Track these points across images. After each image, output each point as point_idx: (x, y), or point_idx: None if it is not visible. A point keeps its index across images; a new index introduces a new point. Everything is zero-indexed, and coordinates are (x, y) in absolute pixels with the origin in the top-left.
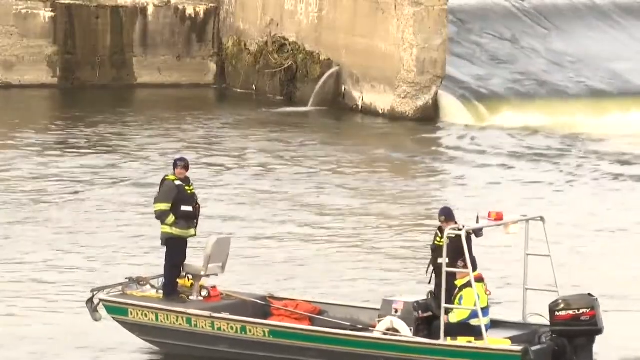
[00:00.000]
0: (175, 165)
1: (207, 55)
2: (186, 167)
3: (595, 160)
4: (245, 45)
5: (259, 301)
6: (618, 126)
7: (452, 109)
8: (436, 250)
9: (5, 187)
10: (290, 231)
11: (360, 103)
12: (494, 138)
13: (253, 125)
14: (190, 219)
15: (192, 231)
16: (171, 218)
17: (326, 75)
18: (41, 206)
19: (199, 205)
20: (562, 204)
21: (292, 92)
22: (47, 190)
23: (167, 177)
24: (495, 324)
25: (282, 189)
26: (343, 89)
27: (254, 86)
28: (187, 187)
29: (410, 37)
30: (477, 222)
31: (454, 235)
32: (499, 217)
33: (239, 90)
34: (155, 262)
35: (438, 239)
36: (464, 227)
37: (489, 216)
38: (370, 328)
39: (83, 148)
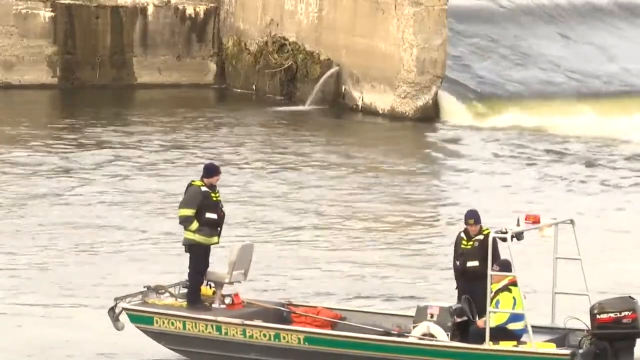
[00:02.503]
0: (212, 173)
1: (207, 55)
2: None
3: (597, 161)
4: (245, 45)
5: (281, 308)
6: (619, 127)
7: (452, 109)
8: (464, 254)
9: (8, 189)
10: (291, 232)
11: (360, 103)
12: (494, 138)
13: (253, 125)
14: (214, 226)
15: (215, 239)
16: (195, 224)
17: (326, 75)
18: (46, 209)
19: (224, 213)
20: (565, 205)
21: (292, 92)
22: (50, 192)
23: (193, 183)
24: None
25: (282, 190)
26: (343, 88)
27: (254, 86)
28: (212, 194)
29: (410, 37)
30: (518, 225)
31: (499, 238)
32: (536, 220)
33: (239, 90)
34: (170, 268)
35: (464, 242)
36: (507, 230)
37: (526, 219)
38: (405, 333)
39: (83, 149)
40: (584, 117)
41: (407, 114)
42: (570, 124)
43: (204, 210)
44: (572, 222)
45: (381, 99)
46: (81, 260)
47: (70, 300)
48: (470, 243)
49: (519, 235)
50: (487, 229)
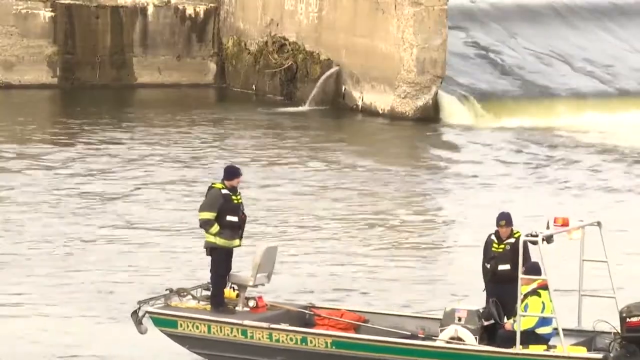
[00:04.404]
0: (233, 175)
1: (207, 55)
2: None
3: (598, 161)
4: (245, 45)
5: (305, 311)
6: (618, 126)
7: (452, 109)
8: (496, 258)
9: (10, 189)
10: (291, 232)
11: (360, 103)
12: (494, 138)
13: (253, 125)
14: (235, 229)
15: (236, 241)
16: (215, 227)
17: (326, 75)
18: (51, 210)
19: (245, 216)
20: (565, 206)
21: (292, 92)
22: (52, 192)
23: (214, 185)
24: None
25: (282, 190)
26: (343, 89)
27: (254, 86)
28: (233, 197)
29: (410, 37)
30: (547, 228)
31: (530, 242)
32: (565, 223)
33: (239, 90)
34: (187, 271)
35: (495, 245)
36: (537, 233)
37: (555, 222)
38: (433, 337)
39: (83, 149)
40: (585, 117)
41: (407, 114)
42: (571, 124)
43: (224, 213)
44: (599, 224)
45: (381, 99)
46: (94, 264)
47: (89, 304)
48: (502, 246)
49: (549, 239)
50: (518, 232)
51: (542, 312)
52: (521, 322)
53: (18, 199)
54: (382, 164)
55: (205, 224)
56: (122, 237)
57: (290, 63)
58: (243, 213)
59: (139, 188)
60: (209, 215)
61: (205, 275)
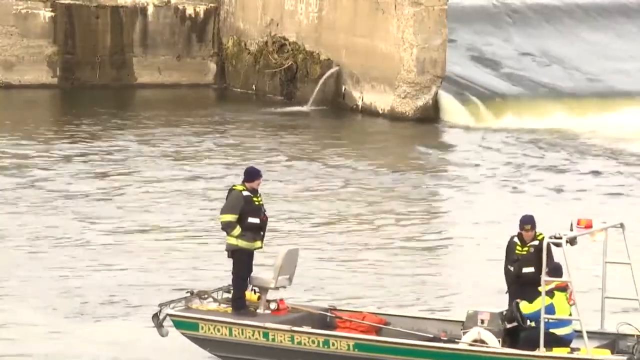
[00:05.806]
0: (254, 177)
1: (207, 55)
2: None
3: (599, 162)
4: (245, 45)
5: (326, 313)
6: (616, 126)
7: (452, 109)
8: (520, 260)
9: (14, 191)
10: (291, 233)
11: (360, 103)
12: (494, 138)
13: (253, 125)
14: (257, 231)
15: (258, 243)
16: (237, 230)
17: (326, 75)
18: (59, 212)
19: (267, 217)
20: (563, 206)
21: (292, 92)
22: (57, 193)
23: (234, 187)
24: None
25: (282, 191)
26: (343, 89)
27: (254, 86)
28: (254, 198)
29: (410, 37)
30: (571, 229)
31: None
32: (588, 225)
33: (239, 90)
34: (204, 273)
35: (519, 248)
36: (561, 235)
37: (578, 224)
38: (456, 340)
39: (84, 150)
40: (587, 117)
41: (407, 114)
42: (571, 124)
43: (246, 215)
44: (622, 226)
45: (381, 99)
46: (108, 267)
47: (110, 307)
48: (526, 249)
49: (572, 241)
50: (541, 234)
51: (547, 311)
52: (526, 306)
53: (17, 198)
54: (382, 165)
55: (227, 227)
56: (125, 239)
57: (290, 63)
58: (264, 215)
59: (140, 188)
60: (231, 217)
61: (223, 277)
